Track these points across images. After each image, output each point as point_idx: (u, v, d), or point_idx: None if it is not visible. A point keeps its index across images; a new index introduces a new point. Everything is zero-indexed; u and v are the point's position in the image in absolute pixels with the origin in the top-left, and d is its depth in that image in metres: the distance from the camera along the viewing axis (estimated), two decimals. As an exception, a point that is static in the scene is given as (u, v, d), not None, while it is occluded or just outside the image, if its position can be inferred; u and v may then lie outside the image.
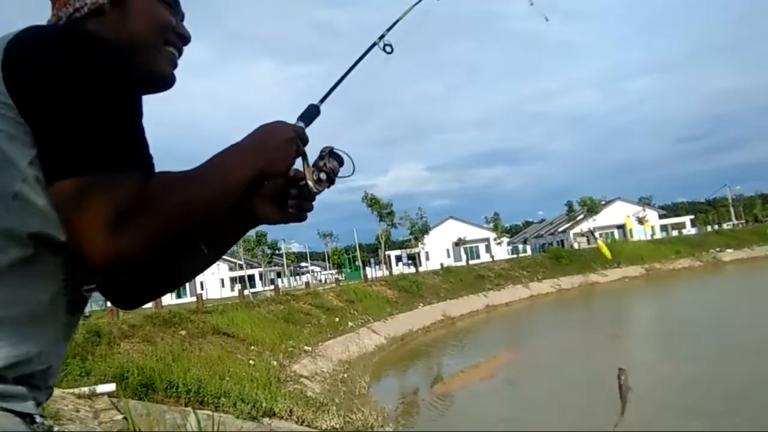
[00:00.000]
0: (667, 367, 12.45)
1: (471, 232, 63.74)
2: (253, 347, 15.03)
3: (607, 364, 14.13)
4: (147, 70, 0.96)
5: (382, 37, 1.20)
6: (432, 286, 31.96)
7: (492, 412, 10.91)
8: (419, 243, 49.15)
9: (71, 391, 7.99)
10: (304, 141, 1.00)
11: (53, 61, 0.78)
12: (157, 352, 11.60)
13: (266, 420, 9.02)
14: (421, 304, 28.35)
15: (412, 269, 41.22)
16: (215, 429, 3.78)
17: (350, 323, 21.84)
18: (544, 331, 21.11)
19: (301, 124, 1.03)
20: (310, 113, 1.08)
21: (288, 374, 13.57)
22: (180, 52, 1.02)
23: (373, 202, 42.84)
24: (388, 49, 1.20)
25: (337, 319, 21.73)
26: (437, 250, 57.40)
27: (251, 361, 13.64)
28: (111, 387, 8.41)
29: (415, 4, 1.29)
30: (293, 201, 1.06)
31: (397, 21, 1.24)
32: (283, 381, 12.59)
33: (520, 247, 68.42)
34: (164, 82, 1.00)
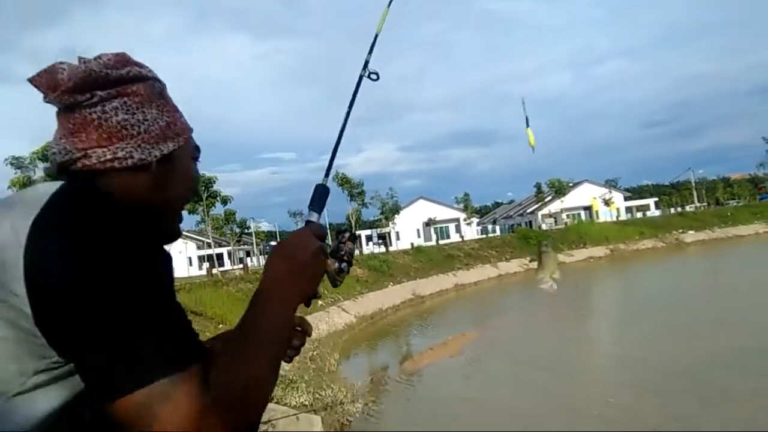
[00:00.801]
0: (627, 347, 12.82)
1: (441, 213, 64.16)
2: (221, 325, 14.94)
3: (571, 343, 14.50)
4: (169, 230, 0.96)
5: (365, 67, 1.22)
6: (402, 266, 32.15)
7: (458, 389, 11.10)
8: (390, 223, 49.31)
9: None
10: (324, 238, 0.97)
11: (80, 282, 0.71)
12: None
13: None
14: (391, 283, 28.53)
15: (383, 249, 41.36)
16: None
17: (320, 302, 21.85)
18: (511, 309, 21.48)
19: (315, 217, 1.03)
20: (321, 196, 1.07)
21: (257, 352, 13.55)
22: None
23: (344, 181, 42.66)
24: (373, 77, 1.23)
25: (307, 298, 21.71)
26: (408, 230, 57.68)
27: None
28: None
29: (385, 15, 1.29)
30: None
31: (374, 43, 1.26)
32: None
33: (490, 227, 69.17)
34: (176, 236, 0.98)
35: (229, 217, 41.53)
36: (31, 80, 0.85)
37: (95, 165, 0.84)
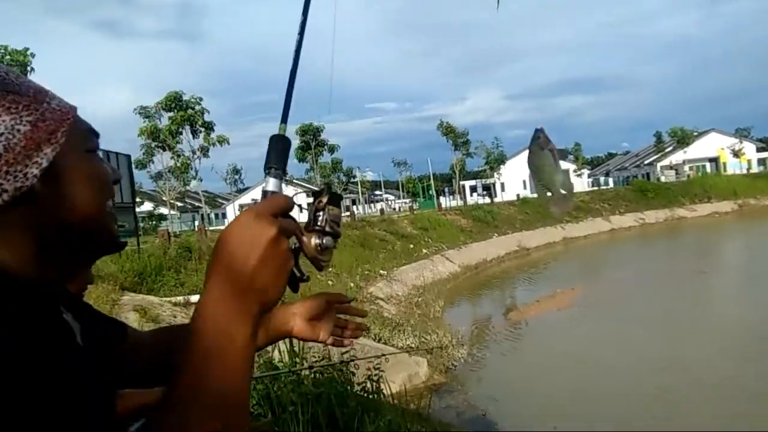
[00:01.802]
0: (746, 308, 11.86)
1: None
2: (330, 269, 15.53)
3: (689, 301, 13.64)
4: (97, 243, 0.76)
5: None
6: (507, 217, 31.56)
7: (564, 344, 10.84)
8: (495, 173, 48.26)
9: (168, 299, 8.60)
10: (288, 210, 0.71)
11: None
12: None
13: (345, 336, 9.39)
14: (496, 234, 28.16)
15: (487, 200, 40.73)
16: (291, 342, 3.98)
17: (424, 250, 22.07)
18: (624, 264, 20.49)
19: (273, 183, 0.77)
20: (280, 151, 0.80)
21: (365, 296, 14.00)
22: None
23: (448, 130, 42.10)
24: None
25: (411, 246, 22.01)
26: (513, 181, 56.14)
27: (330, 282, 14.14)
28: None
29: None
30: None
31: None
32: (360, 301, 13.00)
33: (602, 179, 65.79)
34: (116, 246, 0.79)
35: (336, 165, 42.59)
36: None
37: None
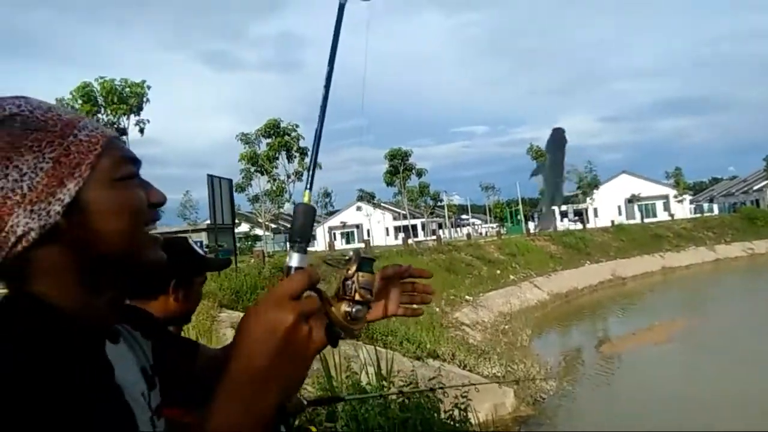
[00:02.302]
0: None
1: (647, 188, 58.74)
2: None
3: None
4: (134, 269, 0.75)
5: None
6: (600, 244, 30.30)
7: (660, 380, 10.22)
8: (587, 198, 46.56)
9: (261, 317, 9.00)
10: (313, 286, 0.70)
11: None
12: (332, 290, 12.52)
13: (430, 361, 9.39)
14: (588, 262, 27.10)
15: (579, 225, 39.34)
16: (387, 364, 4.07)
17: (512, 276, 21.63)
18: (729, 297, 19.05)
19: (297, 258, 0.74)
20: (306, 222, 0.77)
21: (450, 321, 13.93)
22: (156, 219, 0.79)
23: (538, 154, 41.18)
24: None
25: (498, 272, 21.65)
26: (607, 206, 53.93)
27: (415, 306, 14.19)
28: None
29: None
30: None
31: None
32: (445, 326, 12.96)
33: (705, 206, 61.65)
34: (159, 267, 0.79)
35: (423, 189, 42.77)
36: None
37: (11, 254, 0.66)
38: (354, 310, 0.76)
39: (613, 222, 37.49)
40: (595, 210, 51.23)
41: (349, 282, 0.77)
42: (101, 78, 16.86)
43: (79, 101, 16.59)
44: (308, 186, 0.84)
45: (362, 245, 20.34)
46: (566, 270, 24.74)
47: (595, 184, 45.91)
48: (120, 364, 0.72)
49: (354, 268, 0.78)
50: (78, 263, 0.69)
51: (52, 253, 0.68)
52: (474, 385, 3.92)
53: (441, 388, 3.42)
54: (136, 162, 0.76)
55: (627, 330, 14.89)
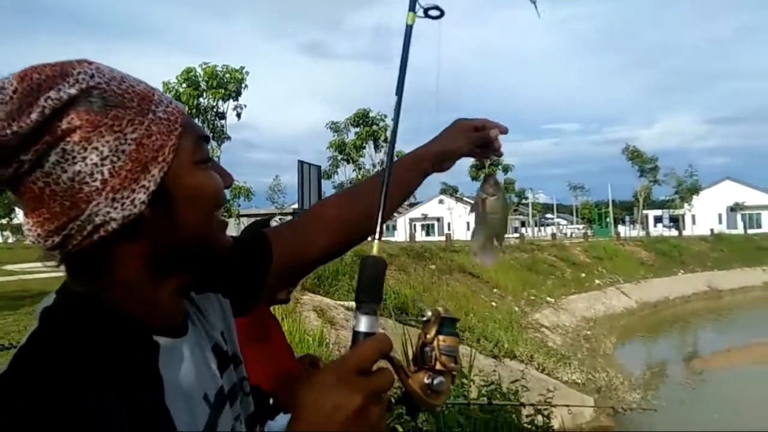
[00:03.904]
0: None
1: (753, 197, 54.52)
2: (495, 290, 15.38)
3: None
4: (206, 261, 0.71)
5: None
6: (697, 253, 28.54)
7: (757, 406, 9.49)
8: (685, 204, 43.92)
9: (342, 303, 9.22)
10: (385, 356, 0.60)
11: None
12: (410, 281, 12.62)
13: (507, 360, 9.25)
14: (682, 271, 25.61)
15: (674, 232, 37.22)
16: (468, 362, 4.04)
17: (597, 281, 20.81)
18: None
19: (365, 322, 0.64)
20: (371, 276, 0.67)
21: (529, 321, 13.62)
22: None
23: (634, 155, 39.35)
24: (433, 12, 0.88)
25: (582, 275, 20.91)
26: (707, 213, 50.61)
27: (493, 303, 14.01)
28: (372, 305, 9.45)
29: None
30: None
31: None
32: (524, 327, 12.69)
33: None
34: (227, 252, 0.74)
35: (509, 186, 41.96)
36: None
37: (83, 244, 0.61)
38: (435, 381, 0.66)
39: (712, 231, 35.18)
40: (693, 217, 48.23)
41: (429, 348, 0.67)
42: (204, 64, 17.73)
43: (183, 85, 17.52)
44: (378, 235, 0.73)
45: (443, 238, 20.24)
46: (657, 278, 23.50)
47: (695, 190, 43.28)
48: (184, 364, 0.67)
49: (434, 331, 0.68)
50: (153, 255, 0.64)
51: (129, 245, 0.63)
52: (569, 406, 3.84)
53: (550, 404, 3.30)
54: (208, 140, 0.71)
55: (721, 347, 13.96)
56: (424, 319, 0.71)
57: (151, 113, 0.63)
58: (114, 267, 0.63)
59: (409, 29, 0.87)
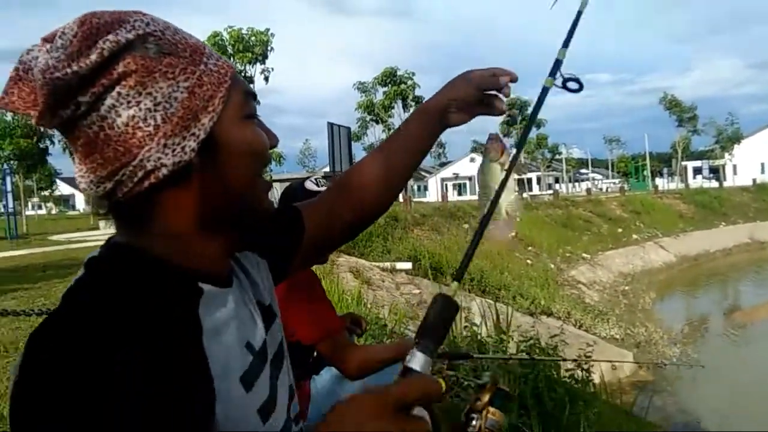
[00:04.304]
0: None
1: (799, 145, 52.41)
2: (530, 248, 15.29)
3: None
4: (252, 214, 0.72)
5: (556, 70, 0.88)
6: (738, 204, 27.76)
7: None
8: (726, 154, 42.48)
9: (377, 264, 9.30)
10: (432, 402, 0.55)
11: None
12: (444, 241, 12.62)
13: (543, 318, 9.24)
14: (723, 224, 24.99)
15: (714, 183, 36.18)
16: (506, 318, 4.05)
17: (634, 236, 20.49)
18: None
19: (419, 360, 0.59)
20: (438, 314, 0.61)
21: (565, 278, 13.54)
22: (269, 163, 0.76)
23: (672, 104, 38.01)
24: (572, 85, 0.87)
25: (619, 230, 20.59)
26: (749, 163, 48.87)
27: (528, 261, 13.94)
28: (407, 265, 9.52)
29: None
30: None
31: (573, 27, 0.93)
32: (560, 284, 12.63)
33: None
34: (269, 215, 0.75)
35: (541, 141, 41.17)
36: (4, 107, 0.62)
37: (134, 191, 0.62)
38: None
39: (754, 180, 34.04)
40: (734, 167, 46.68)
41: (475, 417, 0.63)
42: (230, 27, 17.64)
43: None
44: (458, 275, 0.65)
45: (475, 197, 20.07)
46: (697, 231, 23.00)
47: (736, 139, 41.73)
48: (226, 310, 0.68)
49: (486, 399, 0.64)
50: (200, 206, 0.65)
51: (178, 193, 0.64)
52: (612, 361, 3.83)
53: (591, 359, 3.30)
54: (255, 98, 0.73)
55: (763, 299, 13.67)
56: (480, 382, 0.67)
57: (203, 64, 0.64)
58: (161, 217, 0.64)
59: (544, 91, 0.88)
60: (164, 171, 0.61)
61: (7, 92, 0.61)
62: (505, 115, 1.01)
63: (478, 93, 0.91)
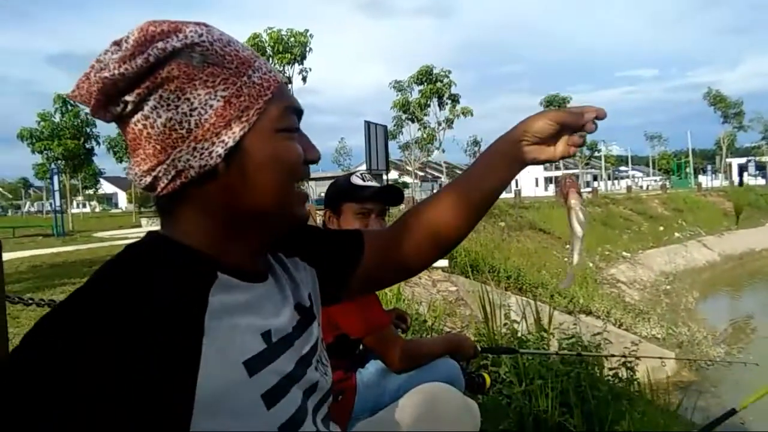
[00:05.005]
0: None
1: None
2: (568, 246, 14.96)
3: None
4: (276, 225, 0.76)
5: None
6: (786, 202, 26.76)
7: None
8: (774, 150, 41.05)
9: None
10: None
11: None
12: (480, 239, 12.53)
13: (582, 316, 9.10)
14: (771, 222, 24.17)
15: (761, 181, 34.94)
16: (547, 316, 4.02)
17: (677, 234, 19.97)
18: None
19: None
20: None
21: (604, 277, 13.30)
22: (308, 176, 0.78)
23: (717, 99, 36.88)
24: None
25: (661, 228, 20.10)
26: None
27: (566, 259, 13.70)
28: (444, 263, 9.49)
29: None
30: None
31: None
32: (599, 283, 12.41)
33: None
34: (302, 224, 0.79)
35: (579, 138, 40.48)
36: (73, 98, 0.69)
37: (169, 188, 0.68)
38: None
39: (805, 178, 32.72)
40: (783, 163, 45.02)
41: None
42: (269, 29, 17.88)
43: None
44: None
45: (512, 195, 19.89)
46: (743, 229, 22.28)
47: (784, 134, 40.23)
48: (244, 297, 0.71)
49: None
50: (226, 210, 0.70)
51: (205, 194, 0.69)
52: (662, 358, 3.78)
53: (634, 356, 3.26)
54: (299, 113, 0.76)
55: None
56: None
57: (246, 77, 0.69)
58: (190, 213, 0.70)
59: None
60: (192, 172, 0.67)
61: (78, 85, 0.67)
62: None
63: (552, 126, 0.87)
